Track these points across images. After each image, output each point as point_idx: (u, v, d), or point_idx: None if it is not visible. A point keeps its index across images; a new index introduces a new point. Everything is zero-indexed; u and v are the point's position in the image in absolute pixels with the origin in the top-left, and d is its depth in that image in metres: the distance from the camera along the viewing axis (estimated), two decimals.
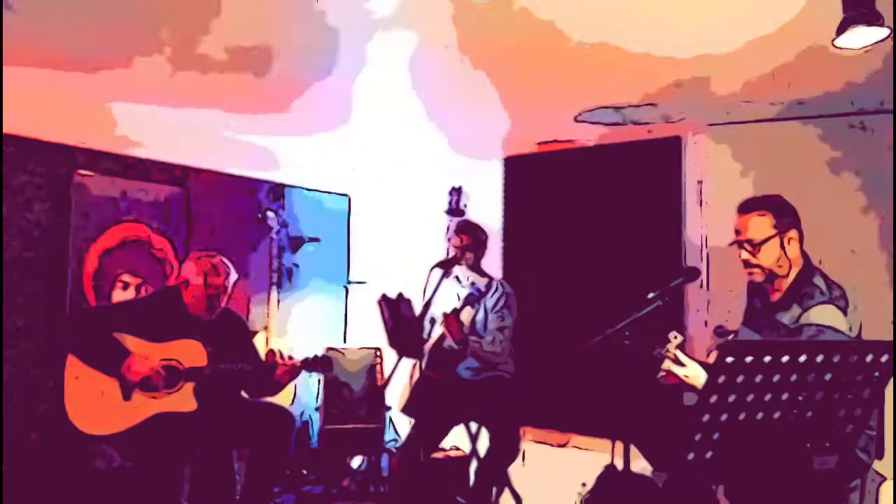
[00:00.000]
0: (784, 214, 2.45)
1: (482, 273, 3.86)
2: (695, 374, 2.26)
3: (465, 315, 3.61)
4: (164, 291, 3.63)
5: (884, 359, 1.83)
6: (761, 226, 2.45)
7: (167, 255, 4.75)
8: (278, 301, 4.95)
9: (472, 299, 3.58)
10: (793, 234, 2.45)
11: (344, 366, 4.70)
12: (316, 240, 5.23)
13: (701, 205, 3.94)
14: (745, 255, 2.46)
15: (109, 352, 3.14)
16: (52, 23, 2.63)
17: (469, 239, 3.78)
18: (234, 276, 3.42)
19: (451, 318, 3.47)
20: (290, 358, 3.39)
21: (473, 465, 4.02)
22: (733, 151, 3.77)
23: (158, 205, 4.73)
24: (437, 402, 3.66)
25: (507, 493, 3.80)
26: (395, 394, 4.03)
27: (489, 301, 3.71)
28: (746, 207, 2.49)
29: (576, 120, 3.82)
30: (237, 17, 2.56)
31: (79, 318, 3.52)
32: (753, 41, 2.67)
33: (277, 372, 3.32)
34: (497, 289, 3.75)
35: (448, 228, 4.85)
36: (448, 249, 3.78)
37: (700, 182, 3.95)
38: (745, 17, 2.49)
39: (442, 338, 3.69)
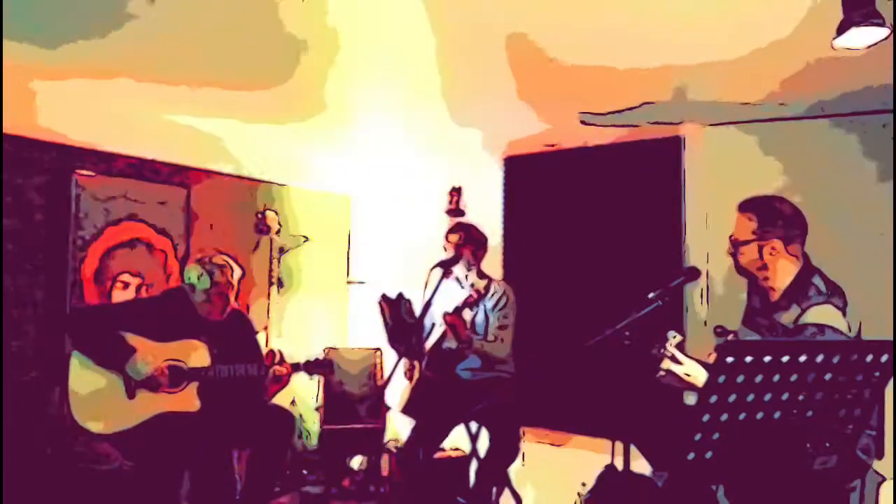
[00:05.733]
0: (770, 223, 2.43)
1: (482, 275, 3.85)
2: (694, 373, 2.27)
3: (465, 316, 3.60)
4: (172, 292, 3.61)
5: (884, 359, 1.83)
6: (744, 227, 2.47)
7: (167, 255, 4.75)
8: (278, 301, 4.94)
9: (471, 302, 3.58)
10: (776, 244, 2.41)
11: (344, 366, 4.70)
12: None
13: (701, 205, 3.93)
14: (730, 249, 2.51)
15: (114, 349, 3.15)
16: None
17: (463, 236, 3.77)
18: (238, 271, 3.42)
19: (456, 316, 3.46)
20: (283, 362, 3.39)
21: (473, 465, 4.02)
22: (733, 151, 3.76)
23: (158, 205, 4.72)
24: (437, 403, 3.65)
25: (507, 493, 3.80)
26: (395, 394, 4.03)
27: (489, 302, 3.70)
28: (741, 205, 2.52)
29: (580, 122, 3.83)
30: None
31: (83, 315, 3.52)
32: (753, 43, 2.67)
33: (267, 378, 3.32)
34: (496, 290, 3.74)
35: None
36: (445, 249, 3.76)
37: (700, 182, 3.95)
38: (746, 19, 2.49)
39: (442, 338, 3.68)
